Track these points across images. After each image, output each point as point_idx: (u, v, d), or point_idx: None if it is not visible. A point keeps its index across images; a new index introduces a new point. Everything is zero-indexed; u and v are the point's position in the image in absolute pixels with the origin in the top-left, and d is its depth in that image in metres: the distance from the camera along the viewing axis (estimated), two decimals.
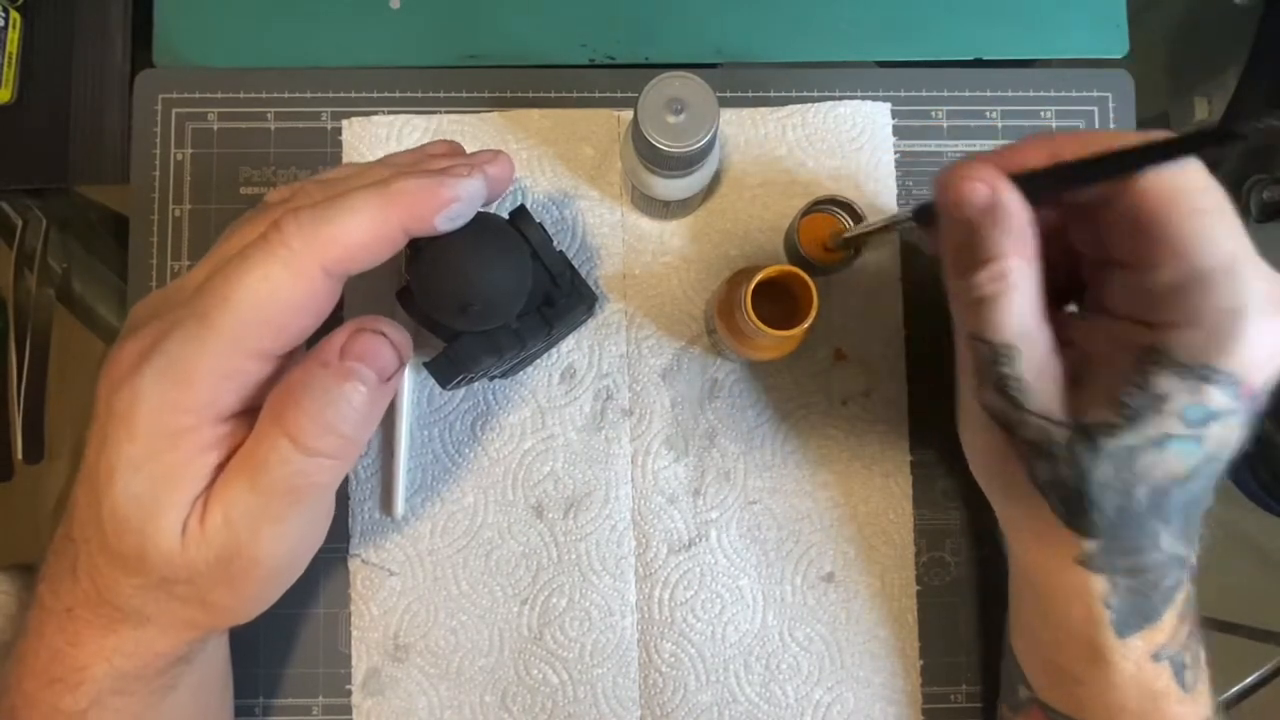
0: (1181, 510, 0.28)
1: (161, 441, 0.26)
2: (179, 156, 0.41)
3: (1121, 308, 0.29)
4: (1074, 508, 0.28)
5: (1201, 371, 0.26)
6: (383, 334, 0.29)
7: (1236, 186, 0.44)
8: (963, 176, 0.28)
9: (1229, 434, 0.27)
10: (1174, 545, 0.29)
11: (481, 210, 0.30)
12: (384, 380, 0.28)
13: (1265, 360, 0.25)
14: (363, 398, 0.27)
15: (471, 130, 0.41)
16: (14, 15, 0.41)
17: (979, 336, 0.28)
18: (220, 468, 0.27)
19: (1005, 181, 0.28)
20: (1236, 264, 0.25)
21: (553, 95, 0.42)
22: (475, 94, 0.42)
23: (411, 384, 0.40)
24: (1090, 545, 0.29)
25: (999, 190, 0.27)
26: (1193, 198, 0.26)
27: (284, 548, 0.28)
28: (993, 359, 0.28)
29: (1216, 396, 0.26)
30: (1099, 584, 0.29)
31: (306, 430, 0.26)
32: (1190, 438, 0.26)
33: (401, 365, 0.29)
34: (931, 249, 0.33)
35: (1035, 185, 0.28)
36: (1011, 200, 0.27)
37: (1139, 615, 0.29)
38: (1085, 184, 0.28)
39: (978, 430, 0.31)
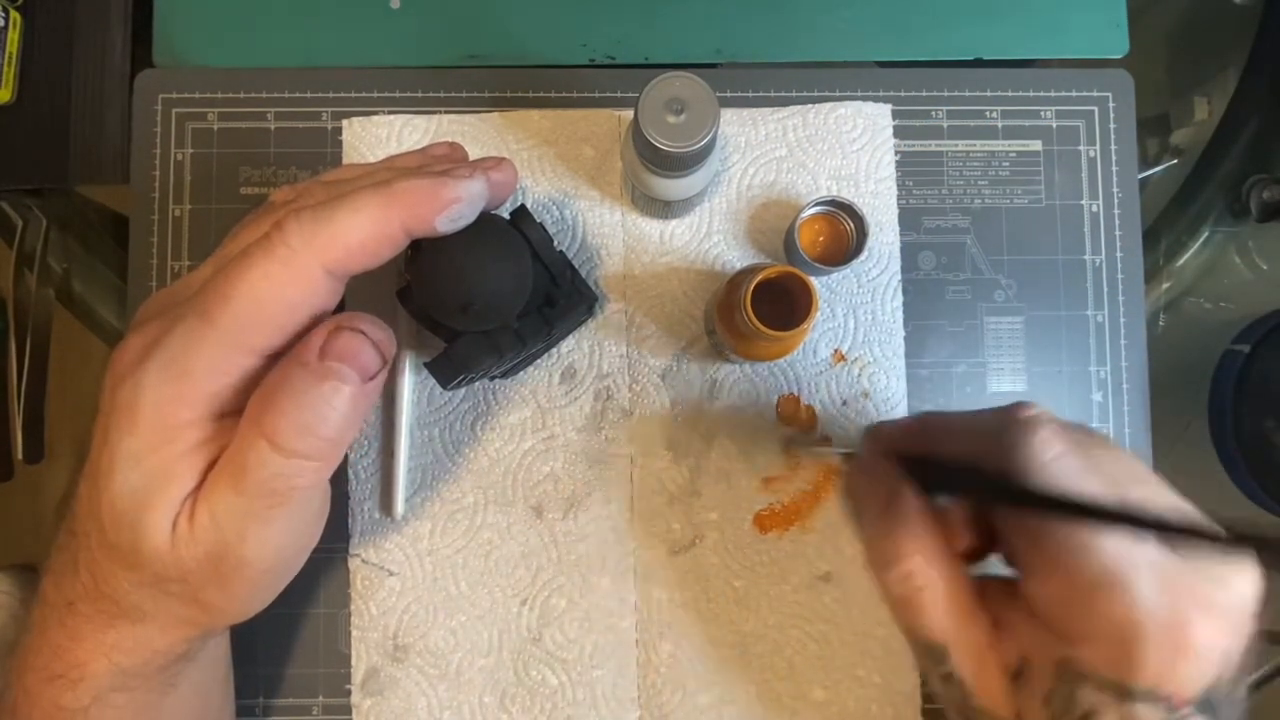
0: None
1: (161, 435, 0.26)
2: (179, 156, 0.41)
3: (1037, 609, 0.26)
4: None
5: (1119, 688, 0.23)
6: (363, 332, 0.28)
7: (1236, 186, 0.44)
8: (864, 472, 0.28)
9: None
10: None
11: (482, 210, 0.30)
12: (366, 380, 0.27)
13: (1179, 670, 0.23)
14: (344, 399, 0.26)
15: (471, 130, 0.41)
16: (14, 15, 0.41)
17: (909, 635, 0.27)
18: (214, 465, 0.27)
19: (905, 484, 0.27)
20: (1123, 574, 0.23)
21: (553, 95, 0.42)
22: (475, 94, 0.42)
23: (411, 384, 0.40)
24: None
25: (898, 492, 0.27)
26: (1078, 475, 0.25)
27: (271, 548, 0.28)
28: (928, 656, 0.27)
29: (1145, 712, 0.23)
30: None
31: (283, 432, 0.26)
32: None
33: (385, 364, 0.28)
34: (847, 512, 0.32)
35: (936, 480, 0.27)
36: (911, 503, 0.27)
37: None
38: (983, 498, 0.26)
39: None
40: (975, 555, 0.28)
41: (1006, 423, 0.26)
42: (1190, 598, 0.23)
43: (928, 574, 0.26)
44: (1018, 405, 0.27)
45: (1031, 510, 0.25)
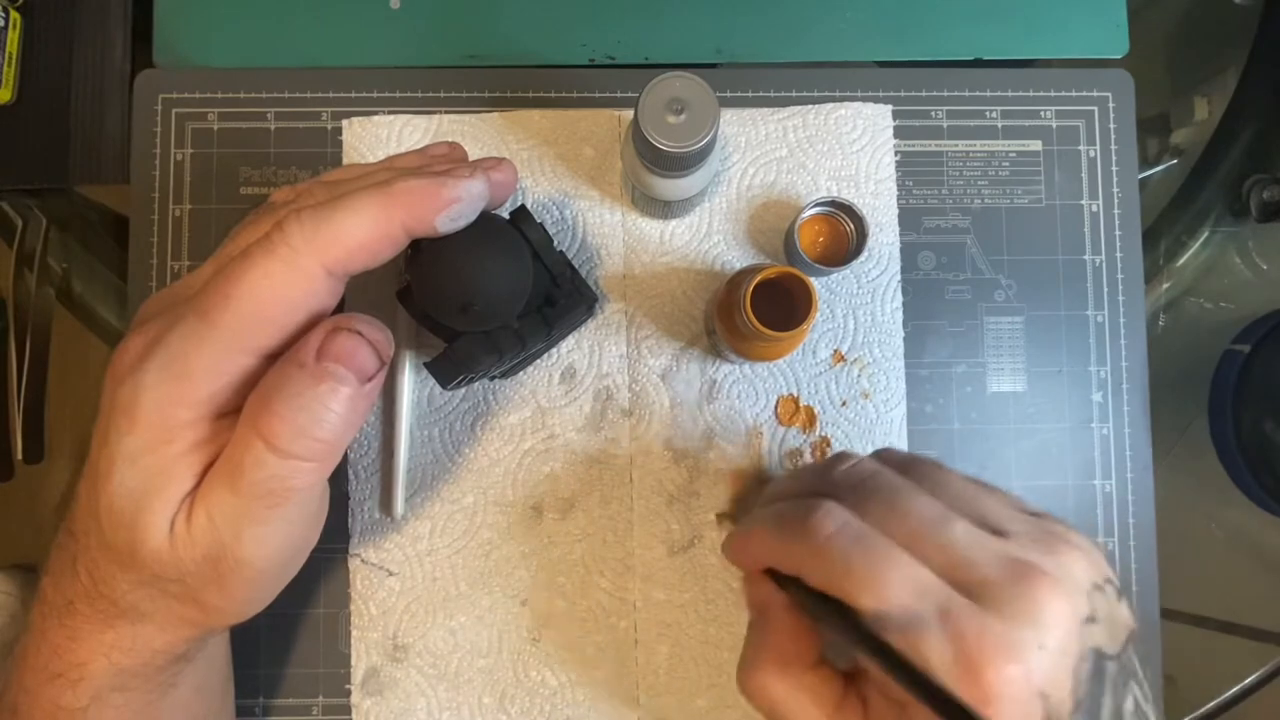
0: None
1: (160, 435, 0.26)
2: (179, 156, 0.41)
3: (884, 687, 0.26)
4: None
5: None
6: (360, 333, 0.27)
7: (1236, 186, 0.44)
8: (747, 580, 0.28)
9: None
10: None
11: (483, 210, 0.30)
12: (364, 381, 0.27)
13: (995, 717, 0.22)
14: (341, 400, 0.26)
15: (471, 130, 0.41)
16: (14, 15, 0.41)
17: None
18: (213, 465, 0.27)
19: (772, 587, 0.28)
20: (911, 627, 0.23)
21: (553, 95, 0.42)
22: (475, 94, 0.42)
23: (411, 384, 0.40)
24: None
25: (765, 596, 0.28)
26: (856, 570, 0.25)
27: (269, 549, 0.28)
28: None
29: None
30: None
31: (280, 434, 0.26)
32: None
33: (383, 366, 0.28)
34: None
35: (804, 603, 0.27)
36: (773, 610, 0.27)
37: None
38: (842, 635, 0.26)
39: None
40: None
41: (800, 516, 0.27)
42: (983, 643, 0.22)
43: (781, 687, 0.26)
44: (814, 496, 0.28)
45: (851, 637, 0.25)
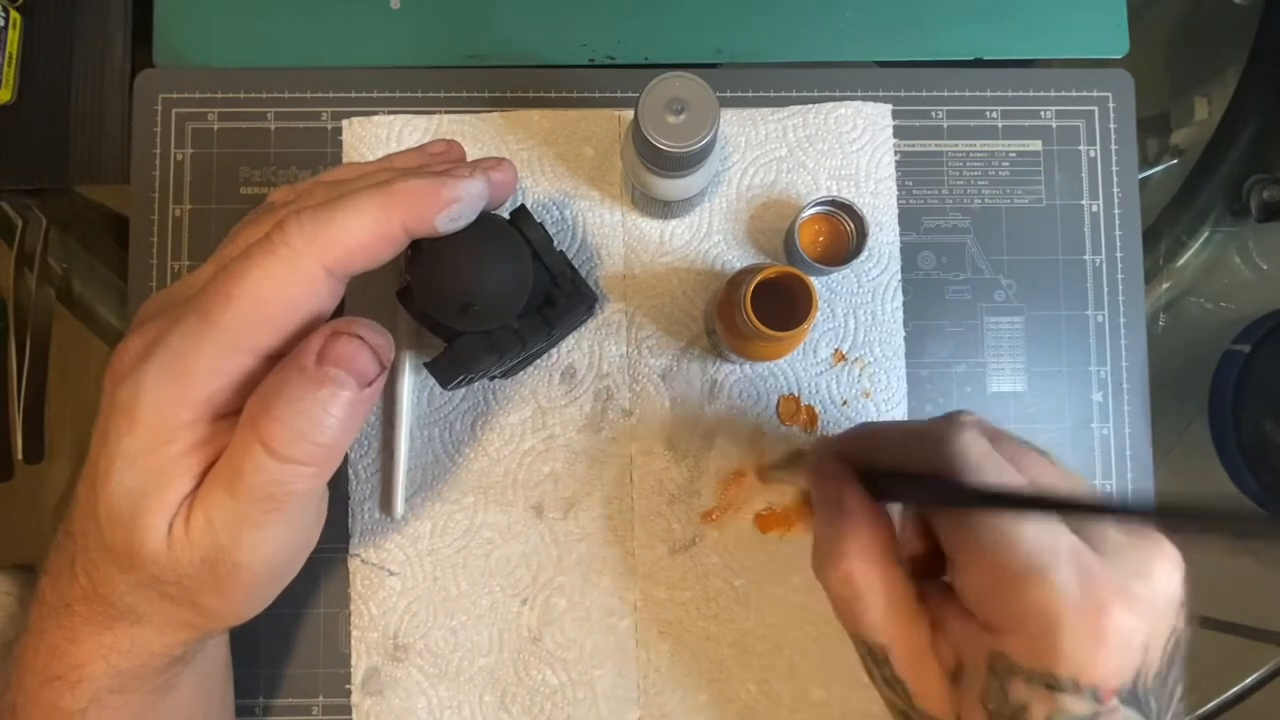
0: None
1: (159, 435, 0.26)
2: (179, 156, 0.41)
3: (967, 603, 0.26)
4: None
5: (1045, 678, 0.24)
6: (361, 338, 0.27)
7: (1236, 186, 0.44)
8: (817, 472, 0.29)
9: None
10: None
11: (482, 210, 0.30)
12: (364, 385, 0.27)
13: (1099, 659, 0.23)
14: (341, 405, 0.26)
15: (471, 130, 0.41)
16: (14, 15, 0.41)
17: (850, 633, 0.27)
18: (212, 467, 0.27)
19: (851, 483, 0.28)
20: (1043, 562, 0.24)
21: (553, 95, 0.42)
22: (475, 94, 0.42)
23: (411, 384, 0.40)
24: None
25: (844, 493, 0.28)
26: (997, 468, 0.25)
27: (267, 553, 0.28)
28: (869, 656, 0.27)
29: (1072, 704, 0.23)
30: None
31: (280, 438, 0.26)
32: None
33: (383, 370, 0.28)
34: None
35: (888, 488, 0.28)
36: (855, 503, 0.27)
37: None
38: (936, 505, 0.27)
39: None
40: (928, 566, 0.28)
41: (940, 427, 0.27)
42: (1109, 588, 0.23)
43: (867, 577, 0.27)
44: (953, 413, 0.28)
45: (960, 504, 0.26)
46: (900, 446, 0.29)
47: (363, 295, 0.39)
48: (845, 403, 0.40)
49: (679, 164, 0.33)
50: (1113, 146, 0.42)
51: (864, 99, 0.42)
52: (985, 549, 0.25)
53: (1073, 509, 0.24)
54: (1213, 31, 0.45)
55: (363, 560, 0.39)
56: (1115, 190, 0.42)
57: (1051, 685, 0.24)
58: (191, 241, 0.41)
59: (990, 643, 0.25)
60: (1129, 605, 0.23)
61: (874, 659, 0.27)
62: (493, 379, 0.40)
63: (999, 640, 0.24)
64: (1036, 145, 0.42)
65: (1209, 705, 0.42)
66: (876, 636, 0.26)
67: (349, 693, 0.39)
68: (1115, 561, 0.24)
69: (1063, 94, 0.42)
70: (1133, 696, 0.24)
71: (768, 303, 0.32)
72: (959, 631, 0.26)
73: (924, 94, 0.42)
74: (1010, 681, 0.24)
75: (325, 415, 0.26)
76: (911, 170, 0.42)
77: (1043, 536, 0.24)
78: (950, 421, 0.27)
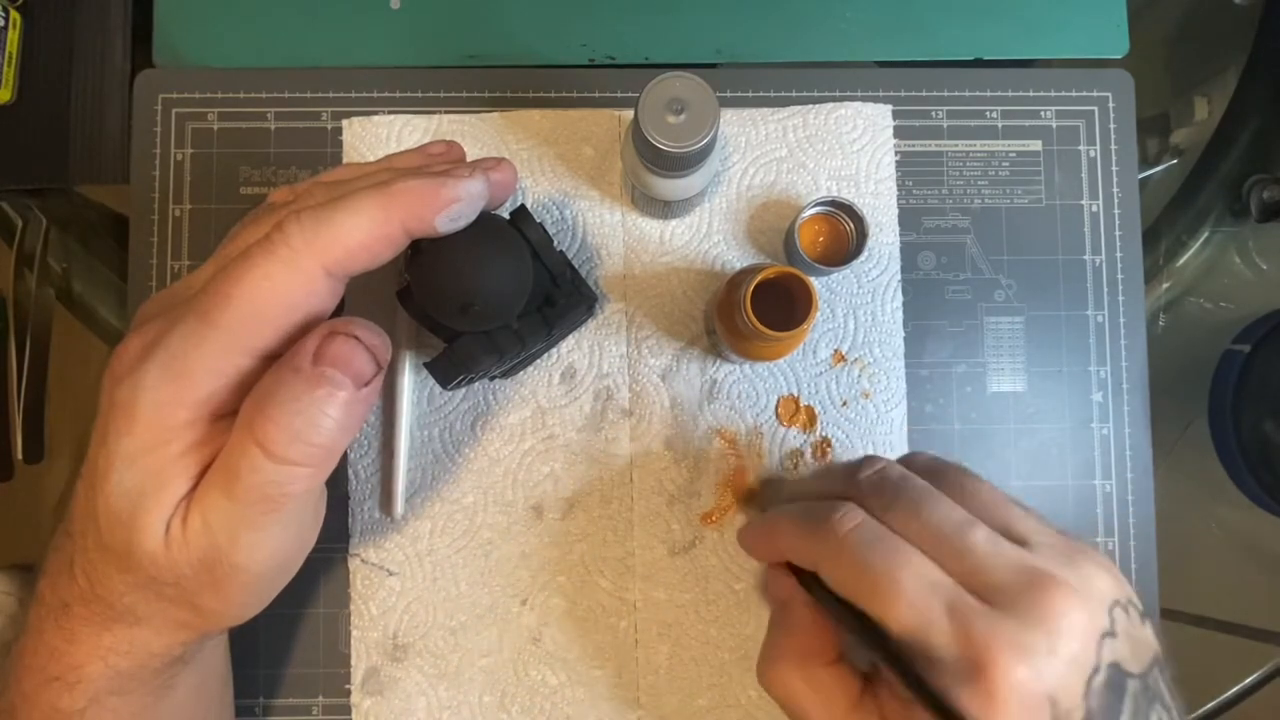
0: None
1: (157, 435, 0.26)
2: (179, 156, 0.41)
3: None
4: None
5: None
6: (357, 338, 0.27)
7: (1236, 186, 0.44)
8: (771, 578, 0.29)
9: None
10: None
11: (482, 210, 0.30)
12: (361, 386, 0.27)
13: (1000, 716, 0.22)
14: (337, 406, 0.26)
15: (471, 130, 0.41)
16: (14, 15, 0.41)
17: None
18: (209, 467, 0.27)
19: (796, 594, 0.28)
20: (920, 624, 0.24)
21: (553, 95, 0.42)
22: (475, 94, 0.42)
23: (411, 384, 0.40)
24: None
25: (788, 600, 0.29)
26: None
27: (264, 554, 0.28)
28: None
29: None
30: None
31: (276, 439, 0.25)
32: None
33: (380, 370, 0.28)
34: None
35: (821, 600, 0.28)
36: (795, 604, 0.28)
37: None
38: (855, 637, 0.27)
39: None
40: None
41: (821, 516, 0.28)
42: (991, 641, 0.23)
43: (794, 683, 0.27)
44: (837, 500, 0.29)
45: (864, 640, 0.26)
46: (802, 546, 0.29)
47: (363, 295, 0.39)
48: (845, 403, 0.40)
49: (679, 164, 0.33)
50: (1113, 146, 0.42)
51: (864, 99, 0.42)
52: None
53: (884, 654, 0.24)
54: (1213, 31, 0.45)
55: (363, 560, 0.39)
56: (1115, 190, 0.42)
57: None
58: (191, 241, 0.41)
59: (918, 717, 0.24)
60: (1018, 657, 0.22)
61: None
62: (493, 379, 0.40)
63: (918, 713, 0.24)
64: (1036, 145, 0.42)
65: (1209, 705, 0.42)
66: None
67: (349, 693, 0.39)
68: (1006, 610, 0.23)
69: (1063, 94, 0.42)
70: None
71: (768, 303, 0.32)
72: (893, 712, 0.26)
73: (924, 94, 0.42)
74: None
75: (322, 416, 0.26)
76: (911, 170, 0.42)
77: (919, 595, 0.24)
78: (826, 513, 0.27)
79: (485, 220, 0.31)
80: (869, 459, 0.30)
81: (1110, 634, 0.24)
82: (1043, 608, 0.23)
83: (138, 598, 0.28)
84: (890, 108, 0.42)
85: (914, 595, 0.24)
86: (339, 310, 0.31)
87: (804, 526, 0.28)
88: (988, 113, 0.42)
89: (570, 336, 0.40)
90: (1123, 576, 0.26)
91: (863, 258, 0.38)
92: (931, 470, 0.29)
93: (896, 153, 0.42)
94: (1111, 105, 0.42)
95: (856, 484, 0.29)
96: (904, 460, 0.31)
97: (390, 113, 0.41)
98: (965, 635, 0.23)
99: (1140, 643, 0.25)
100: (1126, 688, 0.24)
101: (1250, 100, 0.45)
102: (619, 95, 0.42)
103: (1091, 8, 0.43)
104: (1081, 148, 0.42)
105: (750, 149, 0.41)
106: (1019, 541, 0.26)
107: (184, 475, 0.27)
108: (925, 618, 0.24)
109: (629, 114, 0.40)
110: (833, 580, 0.27)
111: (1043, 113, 0.42)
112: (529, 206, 0.38)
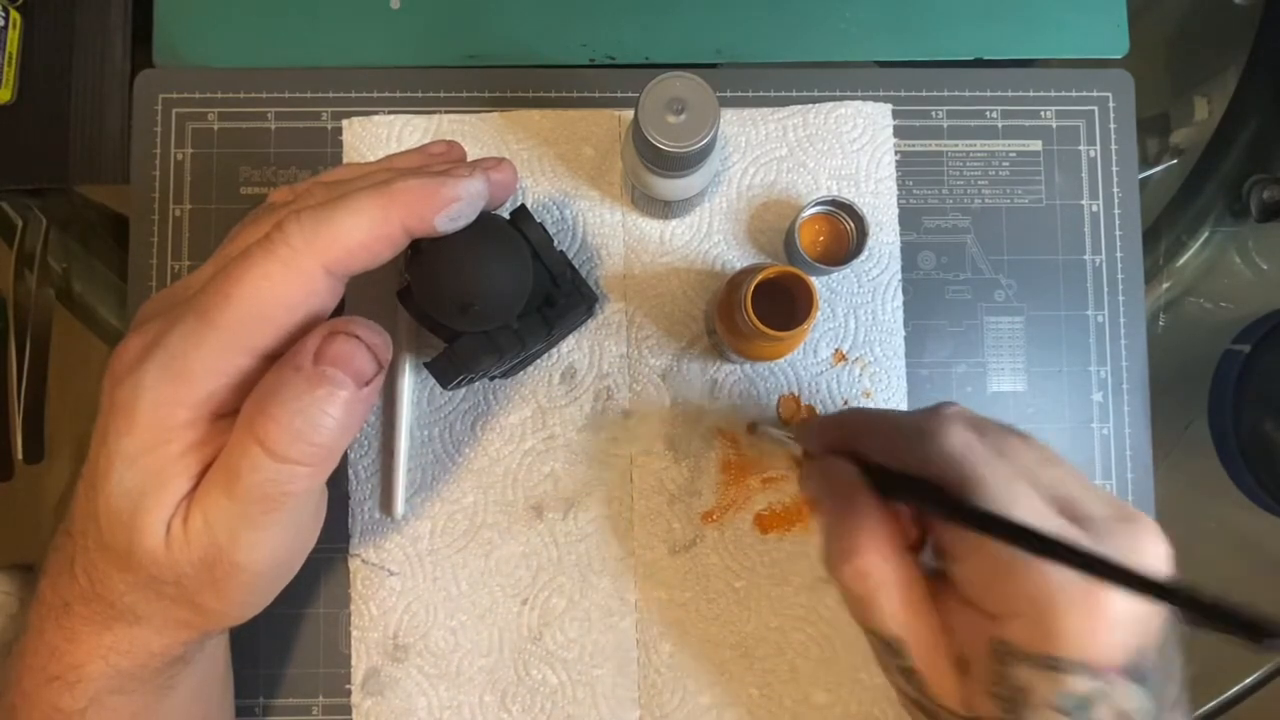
0: None
1: (158, 435, 0.26)
2: (179, 156, 0.41)
3: (966, 593, 0.27)
4: None
5: (1046, 660, 0.24)
6: (358, 337, 0.27)
7: (1236, 186, 0.44)
8: (822, 472, 0.29)
9: (1127, 704, 0.24)
10: None
11: (482, 210, 0.30)
12: (361, 385, 0.27)
13: (1098, 637, 0.24)
14: (338, 405, 0.26)
15: (471, 130, 0.41)
16: (14, 15, 0.41)
17: (866, 629, 0.28)
18: (210, 466, 0.27)
19: (861, 484, 0.28)
20: None
21: (553, 95, 0.42)
22: (475, 94, 0.42)
23: (411, 384, 0.40)
24: None
25: (855, 492, 0.28)
26: (983, 468, 0.26)
27: (264, 553, 0.28)
28: (885, 650, 0.27)
29: (1075, 682, 0.24)
30: None
31: (277, 438, 0.25)
32: None
33: (380, 370, 0.28)
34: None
35: (891, 488, 0.28)
36: (864, 498, 0.28)
37: None
38: (935, 512, 0.27)
39: (915, 711, 0.29)
40: (914, 546, 0.29)
41: (926, 422, 0.28)
42: None
43: (883, 570, 0.27)
44: (939, 405, 0.29)
45: (954, 518, 0.26)
46: (889, 439, 0.29)
47: (363, 295, 0.39)
48: (846, 402, 0.40)
49: (679, 164, 0.33)
50: (1113, 146, 0.42)
51: (864, 99, 0.42)
52: (980, 540, 0.25)
53: (1060, 556, 0.24)
54: (1213, 31, 0.45)
55: (363, 560, 0.39)
56: (1115, 190, 0.42)
57: (1053, 667, 0.24)
58: (191, 241, 0.41)
59: (991, 630, 0.25)
60: None
61: (890, 652, 0.27)
62: (493, 379, 0.40)
63: (1000, 627, 0.25)
64: (1036, 145, 0.42)
65: (1209, 705, 0.42)
66: (892, 630, 0.27)
67: (349, 693, 0.39)
68: (1103, 542, 0.25)
69: (1063, 94, 0.42)
70: (1137, 672, 0.24)
71: (768, 303, 0.32)
72: (960, 622, 0.26)
73: (924, 94, 0.42)
74: (1013, 666, 0.25)
75: (322, 415, 0.26)
76: (911, 170, 0.42)
77: (1029, 517, 0.25)
78: (935, 415, 0.28)
79: (485, 220, 0.31)
80: (948, 402, 0.30)
81: (1171, 578, 0.25)
82: (1137, 540, 0.25)
83: (138, 597, 0.28)
84: (890, 107, 0.42)
85: (1030, 510, 0.25)
86: (339, 310, 0.31)
87: (901, 431, 0.28)
88: (988, 113, 0.42)
89: (570, 336, 0.40)
90: None
91: (863, 257, 0.38)
92: (1006, 426, 0.30)
93: (896, 152, 0.42)
94: (1111, 105, 0.42)
95: (942, 416, 0.28)
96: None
97: (390, 113, 0.41)
98: (1046, 572, 0.24)
99: None
100: (1175, 629, 0.25)
101: (1250, 100, 0.45)
102: (619, 95, 0.42)
103: (1091, 8, 0.43)
104: (1081, 148, 0.42)
105: (750, 149, 0.41)
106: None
107: (184, 475, 0.27)
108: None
109: (629, 114, 0.40)
110: (936, 470, 0.26)
111: (1043, 113, 0.42)
112: (529, 206, 0.38)
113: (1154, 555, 0.25)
